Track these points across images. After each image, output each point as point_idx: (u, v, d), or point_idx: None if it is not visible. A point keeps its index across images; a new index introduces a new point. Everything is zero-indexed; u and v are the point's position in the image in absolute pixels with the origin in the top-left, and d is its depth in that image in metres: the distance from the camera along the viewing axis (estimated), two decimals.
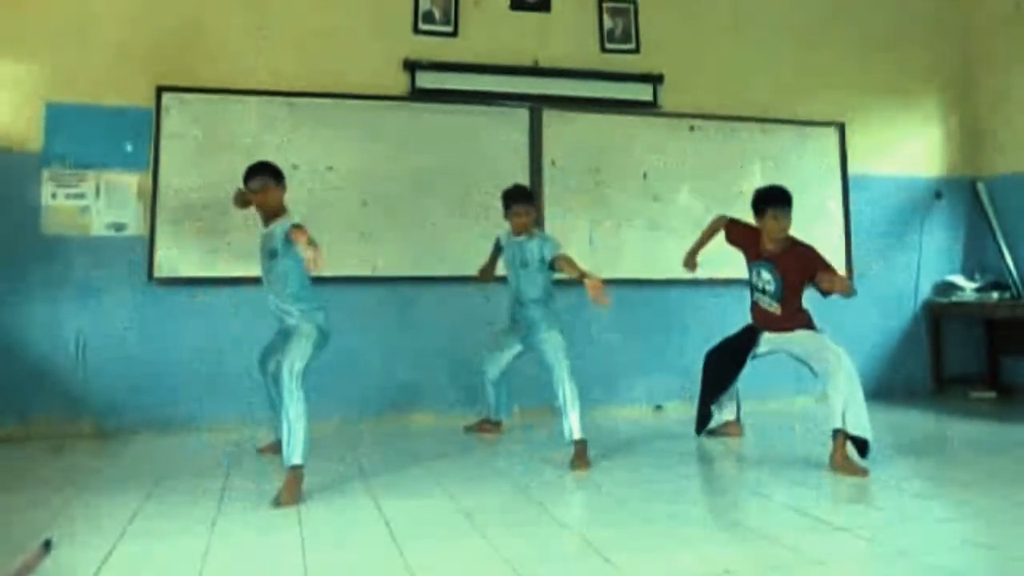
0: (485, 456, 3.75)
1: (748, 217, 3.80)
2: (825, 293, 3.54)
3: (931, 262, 5.62)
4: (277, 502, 2.86)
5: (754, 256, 3.74)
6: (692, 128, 5.15)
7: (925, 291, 5.61)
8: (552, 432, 3.74)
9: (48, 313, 4.18)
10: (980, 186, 5.66)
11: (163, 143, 4.33)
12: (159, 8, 4.43)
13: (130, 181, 4.32)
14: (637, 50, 5.11)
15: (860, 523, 2.65)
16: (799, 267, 3.59)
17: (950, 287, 5.52)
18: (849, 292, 3.51)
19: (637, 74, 5.07)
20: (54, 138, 4.23)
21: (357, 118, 4.61)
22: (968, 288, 5.43)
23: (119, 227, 4.30)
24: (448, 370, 4.63)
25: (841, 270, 5.30)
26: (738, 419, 4.09)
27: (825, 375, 3.45)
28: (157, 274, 4.28)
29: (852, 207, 5.40)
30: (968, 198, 5.72)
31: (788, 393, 4.95)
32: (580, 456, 3.45)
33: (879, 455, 3.53)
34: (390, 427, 4.46)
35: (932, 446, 4.08)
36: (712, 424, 4.05)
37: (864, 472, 3.24)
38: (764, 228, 3.64)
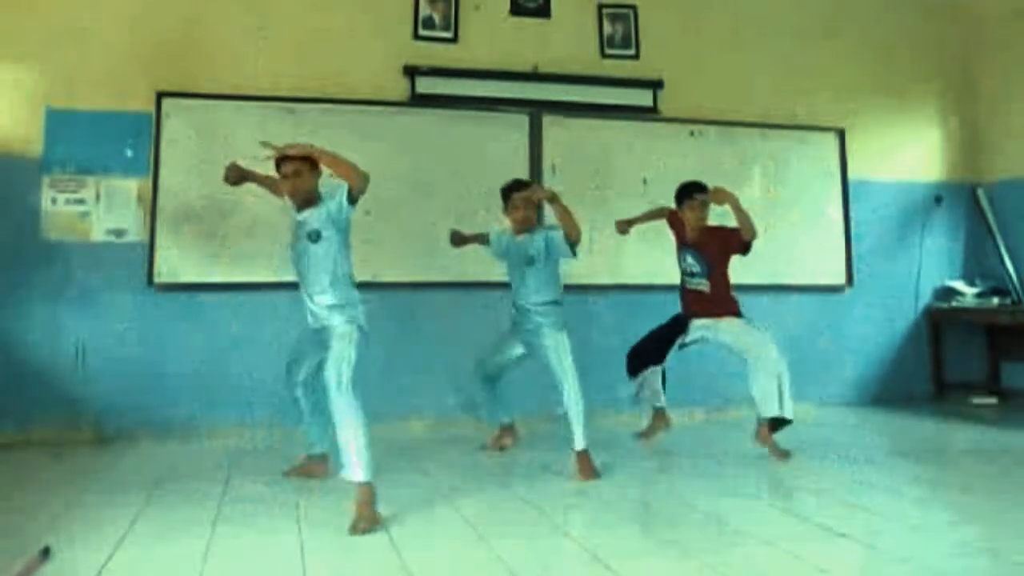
0: (486, 462, 3.74)
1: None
2: (746, 247, 3.76)
3: (931, 267, 5.62)
4: (354, 529, 2.57)
5: (680, 243, 4.02)
6: (692, 133, 5.15)
7: (925, 296, 5.60)
8: (553, 438, 3.73)
9: (48, 319, 4.18)
10: (980, 191, 5.66)
11: (163, 148, 4.33)
12: (159, 13, 4.43)
13: (130, 186, 4.32)
14: (637, 55, 5.12)
15: (861, 529, 2.65)
16: (716, 244, 3.87)
17: (950, 292, 5.51)
18: (734, 199, 3.68)
19: (637, 79, 5.08)
20: (54, 143, 4.23)
21: (357, 123, 4.61)
22: (968, 293, 5.42)
23: (119, 233, 4.29)
24: (448, 375, 4.62)
25: (841, 275, 5.34)
26: (664, 410, 4.11)
27: (756, 360, 3.67)
28: (157, 279, 4.27)
29: (852, 212, 5.39)
30: (968, 203, 5.71)
31: None
32: (584, 464, 3.39)
33: (879, 459, 3.52)
34: (390, 431, 4.44)
35: (932, 451, 4.06)
36: (642, 397, 4.11)
37: (786, 454, 3.61)
38: (684, 217, 3.95)
